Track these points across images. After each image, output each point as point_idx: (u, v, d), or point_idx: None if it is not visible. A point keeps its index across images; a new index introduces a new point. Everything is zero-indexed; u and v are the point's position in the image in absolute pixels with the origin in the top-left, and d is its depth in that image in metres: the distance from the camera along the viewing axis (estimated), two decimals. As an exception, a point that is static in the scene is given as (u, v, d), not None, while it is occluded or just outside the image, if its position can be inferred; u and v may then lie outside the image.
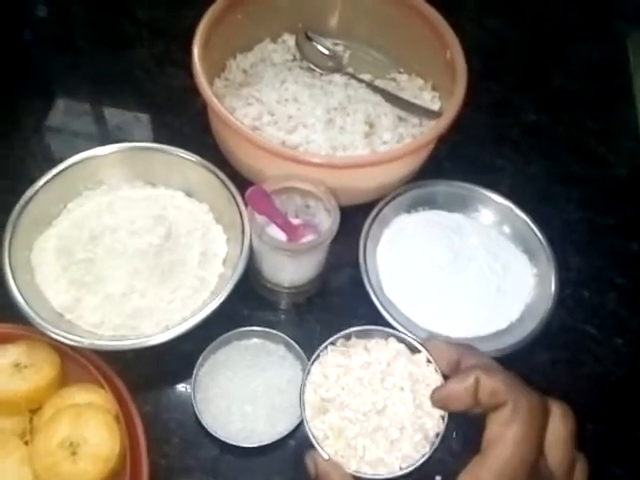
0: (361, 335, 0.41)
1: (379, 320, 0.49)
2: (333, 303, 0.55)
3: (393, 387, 0.38)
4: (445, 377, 0.38)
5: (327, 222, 0.49)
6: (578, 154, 0.68)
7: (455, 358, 0.37)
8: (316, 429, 0.38)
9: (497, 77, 0.72)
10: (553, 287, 0.52)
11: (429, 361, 0.39)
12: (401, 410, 0.38)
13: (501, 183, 0.61)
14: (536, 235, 0.55)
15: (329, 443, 0.38)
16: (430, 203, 0.57)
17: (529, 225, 0.55)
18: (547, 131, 0.69)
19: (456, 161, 0.64)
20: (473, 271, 0.53)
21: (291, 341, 0.50)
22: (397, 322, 0.49)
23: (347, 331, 0.41)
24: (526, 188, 0.63)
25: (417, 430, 0.37)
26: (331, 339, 0.41)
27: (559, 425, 0.33)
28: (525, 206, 0.56)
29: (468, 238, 0.54)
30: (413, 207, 0.57)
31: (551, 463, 0.33)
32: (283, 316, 0.54)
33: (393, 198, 0.56)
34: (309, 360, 0.41)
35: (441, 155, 0.62)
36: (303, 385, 0.39)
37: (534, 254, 0.55)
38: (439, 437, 0.37)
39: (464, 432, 0.45)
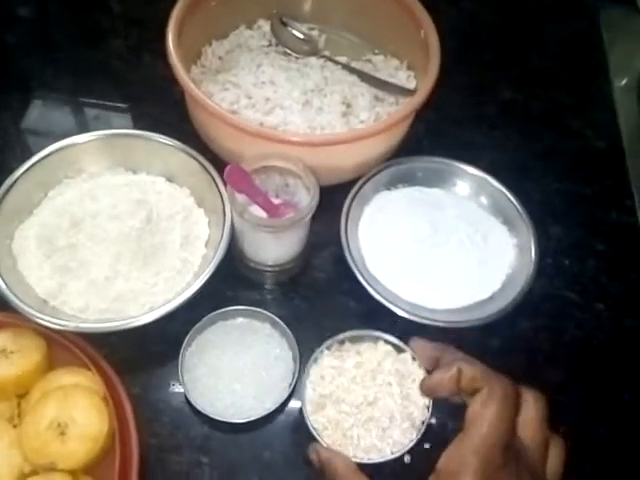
0: (354, 340, 0.47)
1: (363, 295, 0.50)
2: (317, 280, 0.55)
3: (383, 383, 0.44)
4: (428, 372, 0.43)
5: (307, 200, 0.50)
6: (555, 129, 0.68)
7: (436, 355, 0.42)
8: (316, 422, 0.44)
9: (473, 57, 0.73)
10: (533, 256, 0.53)
11: (414, 359, 0.44)
12: (390, 402, 0.43)
13: (481, 160, 0.62)
14: (514, 205, 0.55)
15: (328, 434, 0.43)
16: (409, 179, 0.58)
17: (507, 196, 0.56)
18: (524, 108, 0.70)
19: (435, 139, 0.64)
20: (454, 243, 0.53)
21: (277, 319, 0.50)
22: (381, 296, 0.50)
23: (340, 336, 0.46)
24: (505, 164, 0.63)
25: (405, 419, 0.43)
26: (326, 344, 0.46)
27: (531, 409, 0.37)
28: (505, 181, 0.57)
29: (448, 211, 0.55)
30: (392, 184, 0.57)
31: (525, 442, 0.37)
32: (268, 295, 0.55)
33: (373, 175, 0.56)
34: (294, 337, 0.48)
35: (419, 134, 0.63)
36: (303, 385, 0.45)
37: (513, 225, 0.55)
38: (424, 424, 0.43)
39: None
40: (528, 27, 0.78)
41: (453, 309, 0.51)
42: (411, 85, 0.62)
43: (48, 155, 0.52)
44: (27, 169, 0.51)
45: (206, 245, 0.52)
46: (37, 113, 0.64)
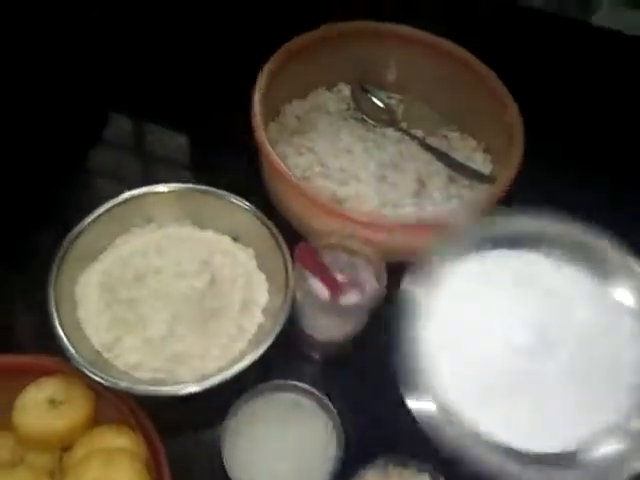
0: (399, 463, 0.46)
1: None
2: (372, 360, 0.54)
3: None
4: None
5: (372, 282, 0.49)
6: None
7: None
8: None
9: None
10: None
11: None
12: None
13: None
14: None
15: None
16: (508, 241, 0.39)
17: None
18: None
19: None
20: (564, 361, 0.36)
21: (325, 399, 0.49)
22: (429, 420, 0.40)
23: (388, 459, 0.46)
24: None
25: None
26: (371, 464, 0.45)
27: None
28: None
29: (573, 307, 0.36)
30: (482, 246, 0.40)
31: None
32: (319, 369, 0.53)
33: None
34: (341, 419, 0.46)
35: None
36: None
37: None
38: None
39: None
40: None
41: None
42: (487, 170, 0.61)
43: (120, 203, 0.53)
44: (98, 215, 0.52)
45: (264, 312, 0.52)
46: (109, 153, 0.65)
